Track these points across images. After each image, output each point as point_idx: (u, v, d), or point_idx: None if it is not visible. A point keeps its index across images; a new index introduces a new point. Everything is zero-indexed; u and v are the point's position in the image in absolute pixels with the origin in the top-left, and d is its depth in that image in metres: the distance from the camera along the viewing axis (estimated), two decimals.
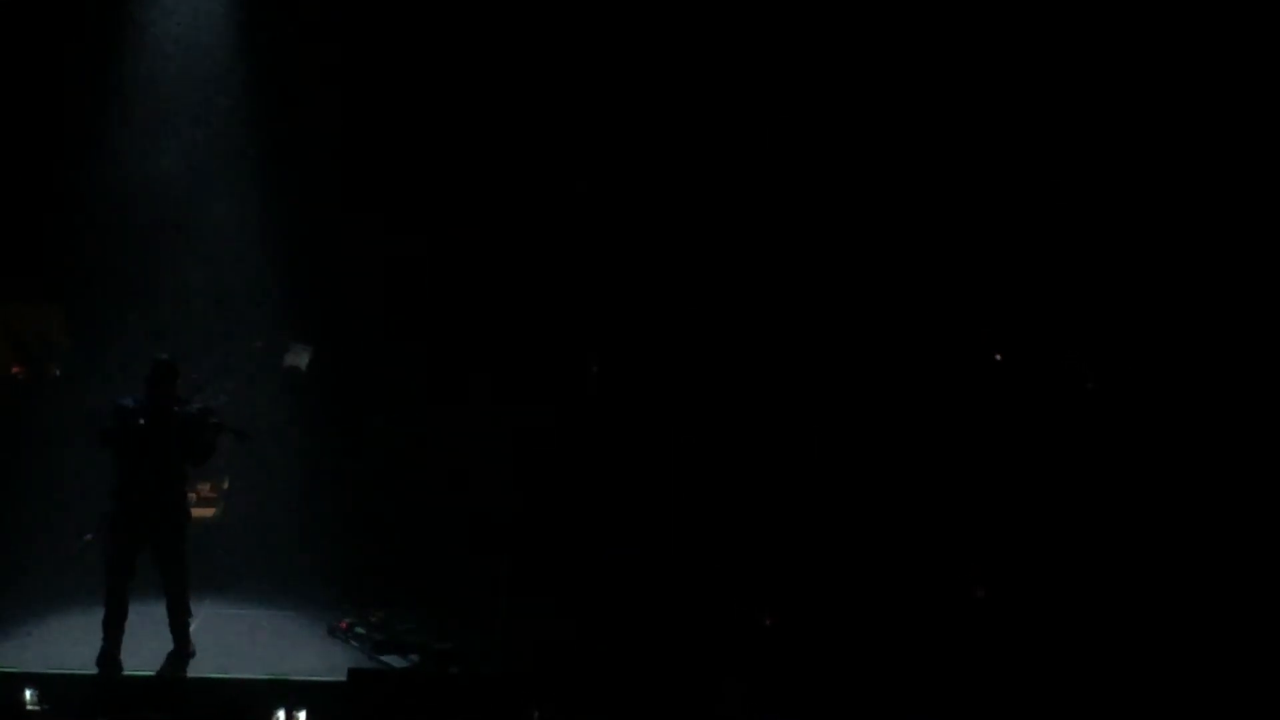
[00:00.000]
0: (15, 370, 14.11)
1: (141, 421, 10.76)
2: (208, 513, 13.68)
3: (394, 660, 11.50)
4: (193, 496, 13.37)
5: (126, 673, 10.82)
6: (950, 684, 10.74)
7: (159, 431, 10.84)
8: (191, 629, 11.34)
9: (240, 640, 11.77)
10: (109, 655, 10.84)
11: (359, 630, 11.92)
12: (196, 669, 11.05)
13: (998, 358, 13.36)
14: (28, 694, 10.20)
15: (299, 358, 14.21)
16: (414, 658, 11.53)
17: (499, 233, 13.95)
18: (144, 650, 11.07)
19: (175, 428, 10.90)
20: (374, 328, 14.09)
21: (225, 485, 13.91)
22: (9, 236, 13.69)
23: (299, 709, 9.88)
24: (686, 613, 11.97)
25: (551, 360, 13.95)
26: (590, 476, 13.48)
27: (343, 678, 10.61)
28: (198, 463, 11.31)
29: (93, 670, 10.76)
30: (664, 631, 11.70)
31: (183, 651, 11.18)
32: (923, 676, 10.85)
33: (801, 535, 12.80)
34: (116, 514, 10.92)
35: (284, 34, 13.73)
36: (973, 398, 13.13)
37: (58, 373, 14.00)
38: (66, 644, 11.30)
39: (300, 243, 13.93)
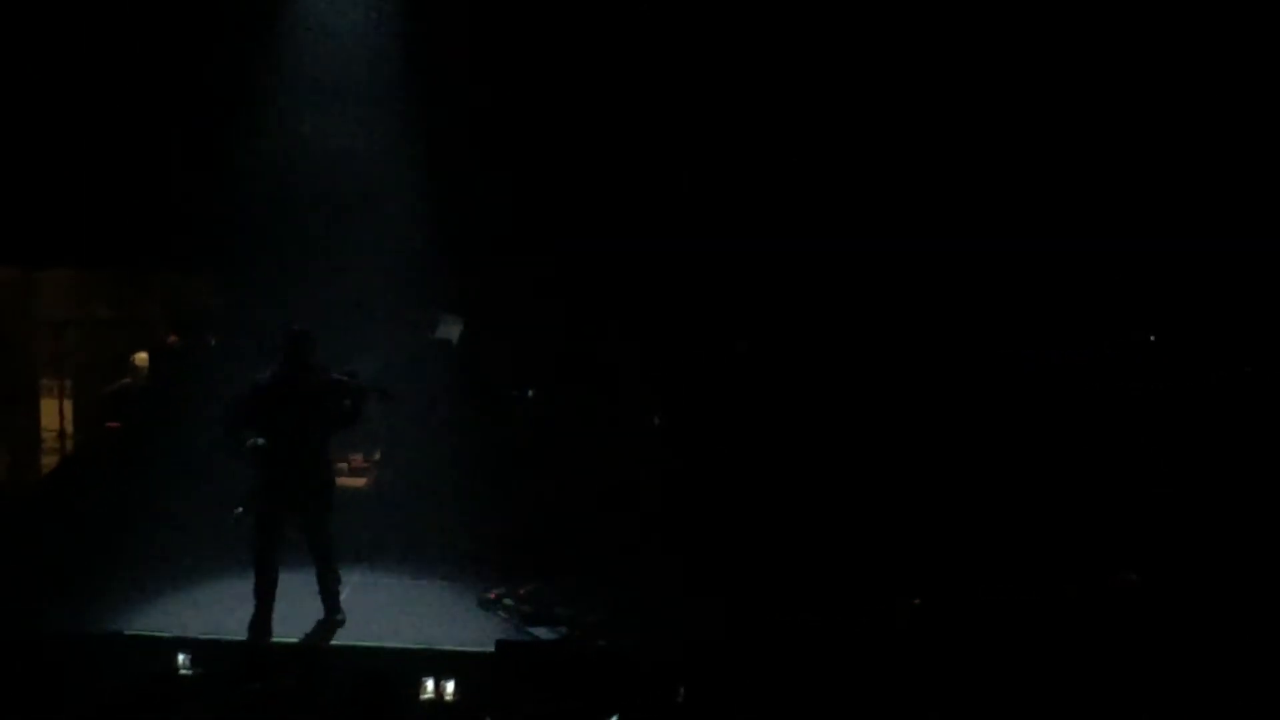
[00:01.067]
0: (171, 339, 14.28)
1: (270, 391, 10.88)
2: (359, 482, 13.77)
3: (542, 632, 11.45)
4: (343, 466, 13.55)
5: (276, 639, 10.93)
6: (1093, 667, 10.48)
7: (295, 401, 10.89)
8: (342, 597, 11.41)
9: (390, 609, 11.80)
10: (259, 622, 10.96)
11: (508, 602, 11.89)
12: (345, 637, 11.13)
13: (1151, 339, 13.11)
14: (181, 658, 10.30)
15: (450, 330, 14.22)
16: (562, 630, 11.49)
17: (649, 209, 13.84)
18: (295, 617, 11.18)
19: (311, 396, 10.94)
20: (524, 301, 14.06)
21: (376, 456, 13.96)
22: (169, 207, 13.86)
23: (447, 679, 9.84)
24: (834, 593, 11.80)
25: (701, 337, 13.84)
26: (739, 455, 13.35)
27: (491, 649, 10.62)
28: (343, 428, 11.38)
29: (244, 636, 10.90)
30: (811, 611, 11.55)
31: (332, 619, 11.26)
32: (1067, 658, 10.60)
33: (949, 516, 12.58)
34: (261, 484, 11.02)
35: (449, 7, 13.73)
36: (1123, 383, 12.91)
37: (213, 342, 14.15)
38: (219, 610, 11.46)
39: (456, 216, 13.91)
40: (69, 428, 14.03)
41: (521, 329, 14.14)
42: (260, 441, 10.84)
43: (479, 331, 14.30)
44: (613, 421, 13.67)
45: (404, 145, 13.87)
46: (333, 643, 11.06)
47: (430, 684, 9.83)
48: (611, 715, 9.02)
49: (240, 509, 11.09)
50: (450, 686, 9.73)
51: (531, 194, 13.80)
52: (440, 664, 10.39)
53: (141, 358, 14.18)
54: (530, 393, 14.23)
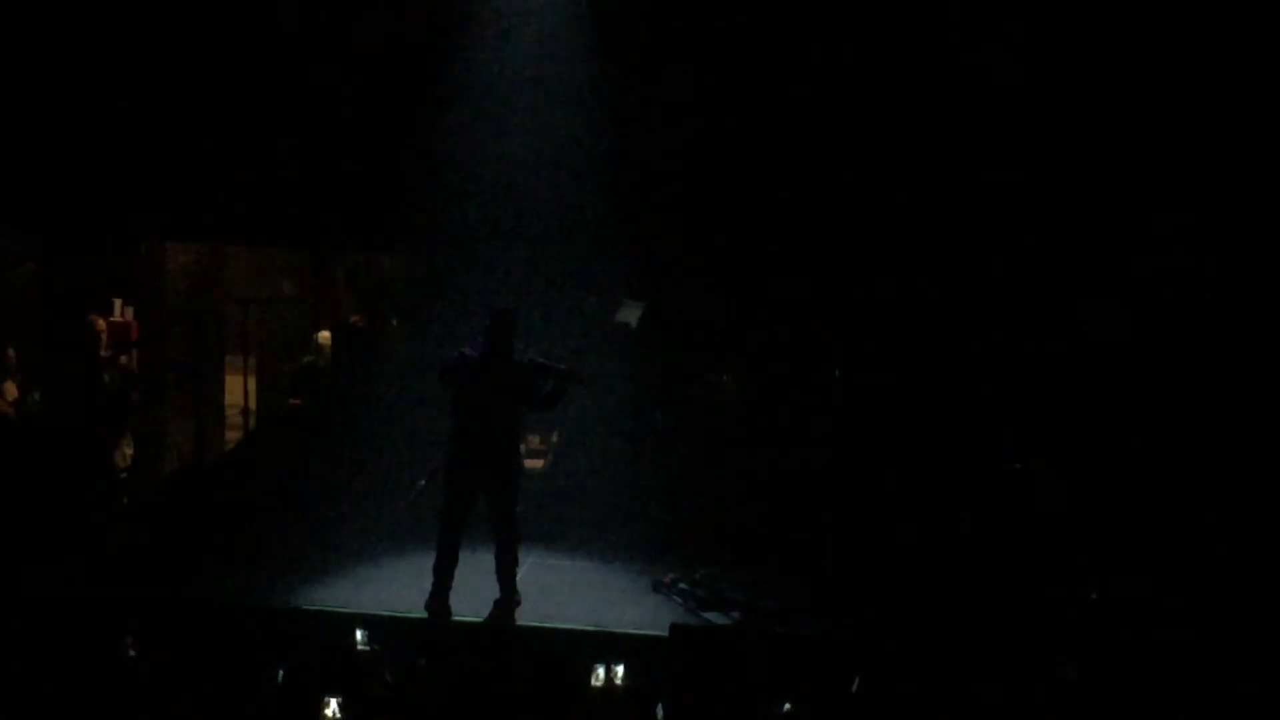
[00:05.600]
0: (354, 320, 14.45)
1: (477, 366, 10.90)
2: (537, 464, 13.81)
3: (717, 617, 11.37)
4: (521, 448, 13.55)
5: (453, 617, 11.00)
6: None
7: (494, 381, 10.92)
8: (518, 578, 11.44)
9: (564, 591, 11.80)
10: (437, 600, 11.02)
11: (683, 586, 11.82)
12: (521, 617, 11.14)
13: None
14: (358, 634, 10.37)
15: (630, 314, 14.19)
16: (736, 616, 11.41)
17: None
18: (471, 596, 11.20)
19: (510, 378, 10.96)
20: (702, 288, 14.02)
21: (555, 438, 13.99)
22: (357, 189, 14.03)
23: (619, 662, 9.80)
24: (1013, 583, 11.60)
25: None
26: (921, 440, 13.17)
27: (664, 633, 10.54)
28: (542, 411, 11.43)
29: (421, 614, 10.98)
30: (989, 601, 11.37)
31: (508, 599, 11.27)
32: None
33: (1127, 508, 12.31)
34: (451, 462, 11.07)
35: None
36: None
37: (394, 323, 14.27)
38: (397, 587, 11.54)
39: (637, 202, 13.90)
40: (253, 404, 14.23)
41: (702, 314, 14.06)
42: (423, 484, 11.10)
43: (660, 315, 14.23)
44: (792, 407, 13.52)
45: (591, 136, 13.89)
46: (508, 623, 11.08)
47: (601, 668, 9.80)
48: (784, 703, 8.94)
49: (423, 482, 11.18)
50: (620, 670, 9.67)
51: (717, 187, 13.76)
52: (613, 646, 10.34)
53: (325, 336, 14.39)
54: (709, 377, 14.13)
